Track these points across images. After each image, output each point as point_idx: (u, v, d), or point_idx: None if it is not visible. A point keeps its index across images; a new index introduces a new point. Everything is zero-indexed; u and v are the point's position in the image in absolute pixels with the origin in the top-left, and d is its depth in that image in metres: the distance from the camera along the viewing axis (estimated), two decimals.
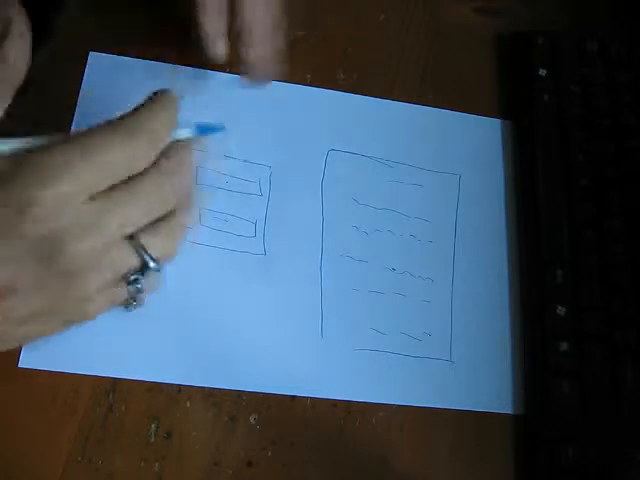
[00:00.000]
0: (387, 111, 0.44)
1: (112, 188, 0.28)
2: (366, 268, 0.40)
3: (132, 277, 0.30)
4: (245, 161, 0.41)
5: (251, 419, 0.36)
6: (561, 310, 0.39)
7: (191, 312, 0.37)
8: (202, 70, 0.43)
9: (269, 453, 0.36)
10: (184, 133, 0.32)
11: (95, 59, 0.41)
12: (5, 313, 0.28)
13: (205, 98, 0.42)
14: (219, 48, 0.38)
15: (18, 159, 0.28)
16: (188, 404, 0.36)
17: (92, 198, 0.28)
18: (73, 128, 0.40)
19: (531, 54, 0.46)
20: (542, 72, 0.45)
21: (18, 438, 0.34)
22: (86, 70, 0.41)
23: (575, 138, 0.43)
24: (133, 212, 0.29)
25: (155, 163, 0.30)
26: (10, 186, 0.27)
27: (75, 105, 0.40)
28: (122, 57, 0.42)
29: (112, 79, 0.41)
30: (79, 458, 0.34)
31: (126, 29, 0.43)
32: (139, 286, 0.30)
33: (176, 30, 0.43)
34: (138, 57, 0.42)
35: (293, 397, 0.37)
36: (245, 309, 0.38)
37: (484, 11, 0.49)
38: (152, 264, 0.30)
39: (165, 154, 0.30)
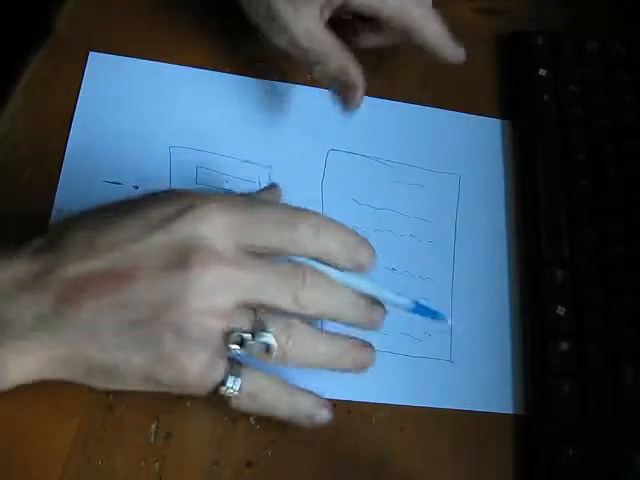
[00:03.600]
0: (387, 111, 0.44)
1: (264, 255, 0.30)
2: None
3: (237, 338, 0.29)
4: (245, 161, 0.41)
5: (251, 419, 0.36)
6: (561, 310, 0.39)
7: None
8: (203, 70, 0.43)
9: (269, 453, 0.36)
10: (402, 302, 0.33)
11: (95, 59, 0.41)
12: (117, 301, 0.27)
13: (206, 98, 0.42)
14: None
15: None
16: (188, 404, 0.36)
17: (246, 248, 0.29)
18: (73, 128, 0.40)
19: (531, 54, 0.46)
20: (542, 72, 0.45)
21: (18, 438, 0.34)
22: (86, 70, 0.41)
23: (575, 138, 0.43)
24: (270, 280, 0.29)
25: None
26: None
27: (75, 105, 0.40)
28: (122, 57, 0.42)
29: (112, 79, 0.41)
30: (79, 458, 0.34)
31: (126, 29, 0.43)
32: (239, 370, 0.30)
33: (176, 30, 0.43)
34: (138, 57, 0.42)
35: None
36: None
37: (484, 11, 0.49)
38: (263, 338, 0.29)
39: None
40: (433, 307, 0.33)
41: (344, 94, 0.39)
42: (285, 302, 0.30)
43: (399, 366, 0.39)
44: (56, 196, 0.38)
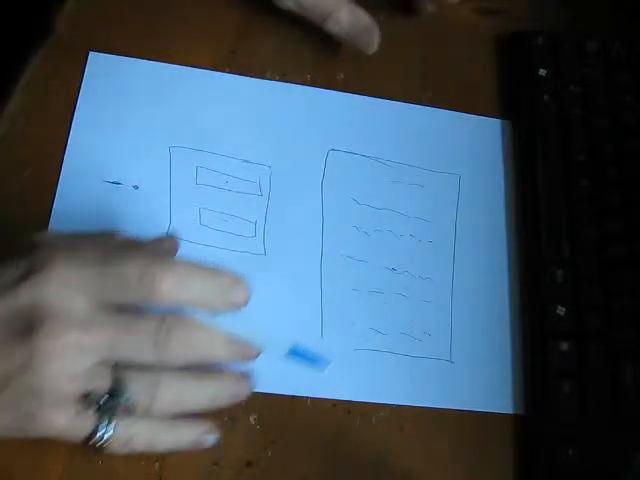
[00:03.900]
0: (387, 111, 0.44)
1: (121, 309, 0.29)
2: (366, 268, 0.40)
3: (95, 400, 0.29)
4: (245, 161, 0.41)
5: (251, 419, 0.36)
6: (561, 310, 0.39)
7: (191, 312, 0.37)
8: (203, 70, 0.43)
9: (269, 453, 0.36)
10: (276, 347, 0.32)
11: (95, 59, 0.41)
12: None
13: (206, 98, 0.42)
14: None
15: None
16: None
17: (100, 305, 0.28)
18: (73, 128, 0.40)
19: (531, 54, 0.46)
20: (542, 72, 0.45)
21: (18, 438, 0.33)
22: (86, 70, 0.41)
23: (575, 138, 0.43)
24: (127, 338, 0.29)
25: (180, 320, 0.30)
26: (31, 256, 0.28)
27: (75, 105, 0.40)
28: (122, 57, 0.42)
29: (112, 79, 0.41)
30: (79, 458, 0.34)
31: (126, 29, 0.43)
32: (106, 422, 0.29)
33: (176, 30, 0.43)
34: (138, 57, 0.42)
35: (293, 397, 0.37)
36: (245, 309, 0.38)
37: (484, 11, 0.49)
38: (123, 399, 0.29)
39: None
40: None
41: (362, 39, 0.42)
42: (147, 357, 0.29)
43: (399, 366, 0.39)
44: (56, 196, 0.38)
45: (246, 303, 0.31)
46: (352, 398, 0.37)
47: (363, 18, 0.42)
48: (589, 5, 0.49)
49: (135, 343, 0.29)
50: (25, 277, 0.27)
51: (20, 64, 0.41)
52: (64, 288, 0.28)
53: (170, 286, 0.29)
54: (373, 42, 0.42)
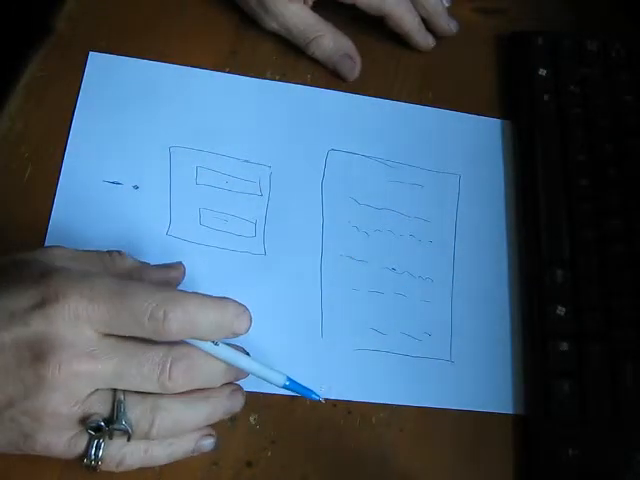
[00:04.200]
0: (387, 111, 0.44)
1: (128, 338, 0.29)
2: (366, 268, 0.40)
3: (94, 425, 0.29)
4: (245, 161, 0.41)
5: (251, 419, 0.36)
6: (561, 310, 0.39)
7: None
8: (203, 70, 0.43)
9: (269, 453, 0.36)
10: (275, 378, 0.32)
11: (95, 59, 0.41)
12: None
13: (206, 98, 0.42)
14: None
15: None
16: None
17: (108, 336, 0.29)
18: (73, 128, 0.40)
19: (531, 54, 0.46)
20: (542, 72, 0.45)
21: None
22: (86, 70, 0.41)
23: (575, 138, 0.43)
24: (133, 369, 0.29)
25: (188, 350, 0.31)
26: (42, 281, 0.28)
27: (75, 105, 0.40)
28: (122, 57, 0.42)
29: (112, 79, 0.41)
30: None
31: (126, 29, 0.43)
32: (100, 442, 0.30)
33: (176, 30, 0.43)
34: (138, 57, 0.42)
35: (293, 397, 0.37)
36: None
37: (484, 11, 0.49)
38: (121, 424, 0.29)
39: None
40: (305, 384, 0.33)
41: (343, 65, 0.43)
42: (148, 387, 0.30)
43: (399, 366, 0.39)
44: (56, 196, 0.38)
45: (247, 332, 0.32)
46: (352, 398, 0.37)
47: (346, 45, 0.43)
48: (589, 5, 0.49)
49: (139, 375, 0.30)
50: (37, 307, 0.28)
51: (20, 64, 0.41)
52: (75, 321, 0.28)
53: (179, 326, 0.29)
54: (354, 69, 0.44)
